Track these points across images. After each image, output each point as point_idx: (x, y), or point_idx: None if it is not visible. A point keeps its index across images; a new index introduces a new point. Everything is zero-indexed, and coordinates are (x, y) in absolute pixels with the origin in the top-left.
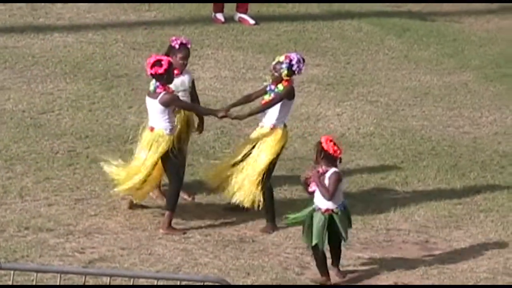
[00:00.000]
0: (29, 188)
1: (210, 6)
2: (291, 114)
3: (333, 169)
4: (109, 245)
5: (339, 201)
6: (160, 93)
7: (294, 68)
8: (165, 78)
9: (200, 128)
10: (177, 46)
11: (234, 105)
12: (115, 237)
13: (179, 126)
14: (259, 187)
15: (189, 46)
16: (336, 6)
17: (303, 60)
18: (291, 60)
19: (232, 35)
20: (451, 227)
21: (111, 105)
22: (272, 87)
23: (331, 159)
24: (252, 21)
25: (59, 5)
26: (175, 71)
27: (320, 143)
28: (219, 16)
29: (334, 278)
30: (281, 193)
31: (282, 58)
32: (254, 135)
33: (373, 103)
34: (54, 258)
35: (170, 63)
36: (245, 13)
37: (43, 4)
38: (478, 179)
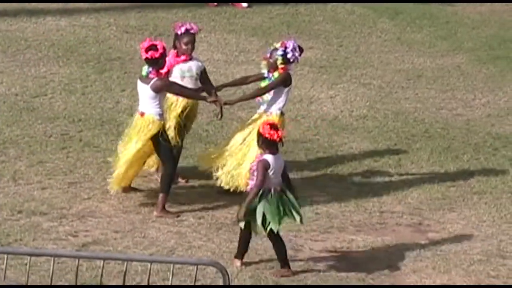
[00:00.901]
0: (22, 172)
1: None
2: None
3: (262, 157)
4: (102, 228)
5: (268, 186)
6: (152, 78)
7: (289, 56)
8: (159, 63)
9: (220, 115)
10: (180, 32)
11: (228, 85)
12: (109, 220)
13: (182, 111)
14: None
15: (193, 31)
16: None
17: (300, 48)
18: (286, 48)
19: (225, 18)
20: (444, 209)
21: (104, 88)
22: (270, 74)
23: (269, 144)
24: (244, 4)
25: None
26: (183, 57)
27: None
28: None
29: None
30: None
31: (278, 45)
32: (250, 121)
33: (366, 85)
34: (48, 242)
35: (164, 48)
36: None
37: None
38: (472, 161)
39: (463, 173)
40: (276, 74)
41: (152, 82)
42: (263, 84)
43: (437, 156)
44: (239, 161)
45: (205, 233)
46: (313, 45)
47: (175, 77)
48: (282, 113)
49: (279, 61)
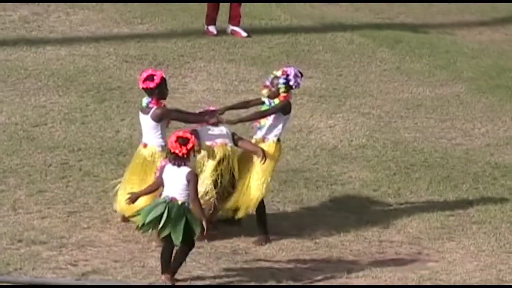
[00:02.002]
0: (22, 201)
1: (202, 18)
2: (286, 129)
3: (190, 169)
4: (102, 257)
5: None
6: (152, 108)
7: (292, 83)
8: (156, 93)
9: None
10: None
11: (231, 108)
12: (108, 249)
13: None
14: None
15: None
16: (328, 19)
17: (301, 74)
18: (288, 75)
19: (224, 48)
20: (443, 239)
21: (104, 117)
22: (270, 101)
23: (177, 157)
24: (244, 34)
25: (51, 18)
26: None
27: None
28: (211, 28)
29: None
30: (273, 205)
31: (279, 73)
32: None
33: (365, 115)
34: (47, 271)
35: (162, 78)
36: (237, 25)
37: (35, 17)
38: (471, 191)
39: (462, 202)
40: (276, 100)
41: (151, 111)
42: (263, 108)
43: (436, 186)
44: (240, 191)
45: (204, 262)
46: (313, 74)
47: None
48: (278, 140)
49: (282, 89)
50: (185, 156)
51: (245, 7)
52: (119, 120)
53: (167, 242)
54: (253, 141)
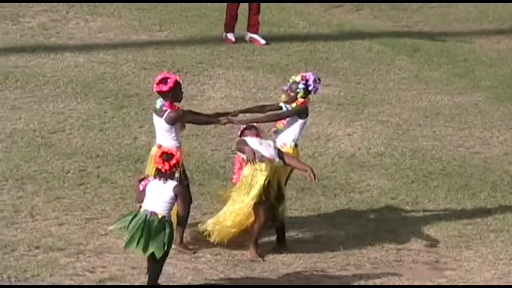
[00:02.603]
0: (39, 207)
1: (221, 26)
2: (304, 134)
3: (176, 183)
4: (119, 264)
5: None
6: (166, 111)
7: (311, 88)
8: (170, 96)
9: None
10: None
11: (246, 111)
12: (126, 256)
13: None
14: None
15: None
16: (347, 26)
17: (319, 79)
18: (307, 80)
19: (243, 55)
20: (461, 247)
21: (122, 124)
22: (288, 106)
23: (161, 172)
24: (263, 41)
25: (70, 24)
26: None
27: None
28: (230, 36)
29: None
30: (291, 212)
31: (298, 78)
32: None
33: (384, 123)
34: (65, 278)
35: (176, 82)
36: (256, 33)
37: (54, 23)
38: (489, 199)
39: (480, 211)
40: (293, 104)
41: (165, 114)
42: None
43: (454, 194)
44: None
45: (222, 269)
46: (331, 82)
47: None
48: (296, 145)
49: (301, 94)
50: (167, 171)
51: (263, 15)
52: (137, 127)
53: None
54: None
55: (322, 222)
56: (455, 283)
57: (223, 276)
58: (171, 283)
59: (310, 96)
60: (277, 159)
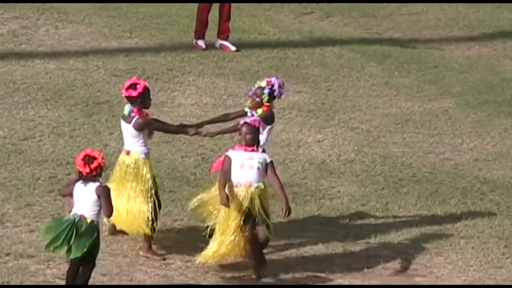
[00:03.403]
0: (10, 214)
1: (191, 33)
2: (271, 140)
3: (102, 184)
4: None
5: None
6: (134, 117)
7: (276, 93)
8: (138, 102)
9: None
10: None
11: (210, 122)
12: (96, 263)
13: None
14: None
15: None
16: (317, 33)
17: (283, 84)
18: (272, 86)
19: (213, 62)
20: (431, 254)
21: (92, 131)
22: (253, 111)
23: (83, 175)
24: (233, 48)
25: (40, 31)
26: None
27: None
28: (200, 42)
29: None
30: None
31: (263, 84)
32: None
33: (354, 129)
34: (35, 285)
35: (145, 88)
36: (226, 39)
37: (24, 30)
38: (459, 206)
39: (450, 217)
40: (259, 111)
41: (133, 120)
42: None
43: (424, 201)
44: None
45: (192, 276)
46: (301, 89)
47: None
48: (263, 151)
49: (266, 99)
50: (88, 174)
51: (233, 22)
52: (107, 134)
53: (71, 264)
54: None
55: (292, 229)
56: None
57: (193, 282)
58: None
59: (279, 102)
60: (255, 184)
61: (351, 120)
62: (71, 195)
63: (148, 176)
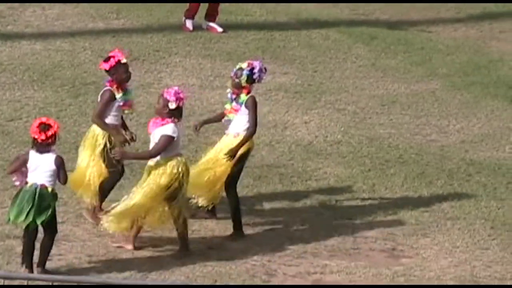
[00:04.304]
0: None
1: (179, 13)
2: (259, 121)
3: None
4: (76, 252)
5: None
6: (105, 87)
7: (255, 76)
8: (111, 75)
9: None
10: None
11: (208, 121)
12: (82, 244)
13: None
14: (220, 189)
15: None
16: (304, 15)
17: (265, 69)
18: (253, 68)
19: (200, 43)
20: (418, 235)
21: (79, 112)
22: (234, 96)
23: (38, 144)
24: (220, 29)
25: (27, 12)
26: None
27: None
28: (188, 24)
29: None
30: (248, 200)
31: (244, 65)
32: (219, 144)
33: (341, 111)
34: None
35: (118, 62)
36: (213, 21)
37: (11, 11)
38: (445, 187)
39: (436, 198)
40: (242, 96)
41: (102, 91)
42: (228, 106)
43: (411, 182)
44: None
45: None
46: (288, 70)
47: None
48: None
49: (244, 80)
50: (43, 142)
51: (220, 4)
52: None
53: (30, 233)
54: (225, 136)
55: (279, 210)
56: (412, 271)
57: (180, 263)
58: (127, 270)
59: (265, 83)
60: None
61: (337, 101)
62: (20, 169)
63: (101, 146)
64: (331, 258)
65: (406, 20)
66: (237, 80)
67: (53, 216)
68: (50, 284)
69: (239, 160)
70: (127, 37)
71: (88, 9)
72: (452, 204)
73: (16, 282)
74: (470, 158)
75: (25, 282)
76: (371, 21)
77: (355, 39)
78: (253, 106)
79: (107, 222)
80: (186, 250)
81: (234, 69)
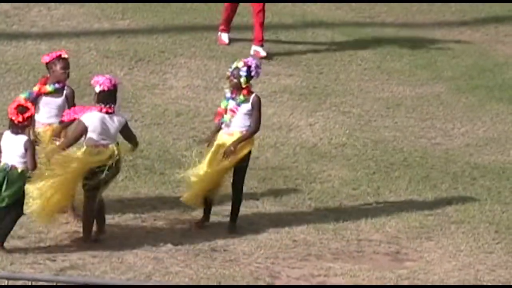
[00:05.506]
0: None
1: (184, 14)
2: (263, 123)
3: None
4: (80, 253)
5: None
6: None
7: (253, 74)
8: (48, 69)
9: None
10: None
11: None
12: (86, 245)
13: None
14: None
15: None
16: (309, 17)
17: (260, 64)
18: (249, 67)
19: (205, 44)
20: (422, 238)
21: None
22: (233, 95)
23: (14, 125)
24: (263, 53)
25: (33, 12)
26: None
27: None
28: (224, 37)
29: None
30: (252, 202)
31: (240, 64)
32: (221, 142)
33: (346, 113)
34: (25, 266)
35: (53, 58)
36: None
37: (16, 11)
38: (450, 191)
39: (441, 202)
40: (241, 96)
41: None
42: (223, 104)
43: (415, 185)
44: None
45: (182, 259)
46: (293, 72)
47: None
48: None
49: (244, 80)
50: (20, 124)
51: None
52: None
53: None
54: (227, 136)
55: (283, 212)
56: (416, 274)
57: (183, 265)
58: (131, 272)
59: (270, 85)
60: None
61: (342, 104)
62: None
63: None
64: (335, 261)
65: (412, 23)
66: (235, 81)
67: (21, 197)
68: (54, 284)
69: (241, 161)
70: (133, 37)
71: (93, 9)
72: (457, 207)
73: (20, 283)
74: (475, 162)
75: (29, 283)
76: (377, 24)
77: (360, 41)
78: (258, 105)
79: None
80: (87, 237)
81: (230, 69)
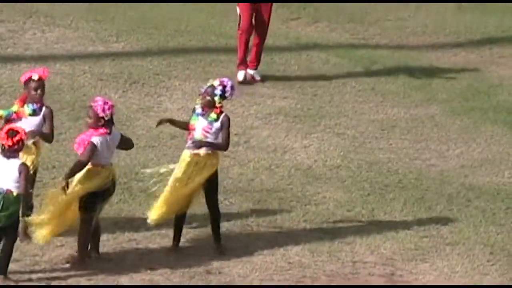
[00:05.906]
0: None
1: (178, 37)
2: (257, 145)
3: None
4: (75, 276)
5: None
6: None
7: (227, 94)
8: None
9: None
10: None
11: (171, 121)
12: (81, 267)
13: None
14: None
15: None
16: (304, 39)
17: (234, 86)
18: (225, 86)
19: (200, 67)
20: (417, 260)
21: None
22: (203, 112)
23: (5, 149)
24: (258, 78)
25: (27, 35)
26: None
27: None
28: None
29: None
30: (247, 224)
31: (216, 83)
32: (186, 162)
33: (340, 135)
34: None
35: (28, 79)
36: (254, 69)
37: (11, 34)
38: (445, 212)
39: (436, 223)
40: (213, 115)
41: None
42: (193, 121)
43: (410, 207)
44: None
45: (178, 281)
46: (288, 94)
47: None
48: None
49: (218, 99)
50: (10, 148)
51: (221, 27)
52: None
53: None
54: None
55: (278, 234)
56: None
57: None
58: None
59: (265, 107)
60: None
61: (337, 126)
62: None
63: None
64: (330, 283)
65: (406, 45)
66: (208, 98)
67: (15, 221)
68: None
69: (210, 181)
70: (127, 60)
71: (88, 32)
72: (451, 229)
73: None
74: (470, 183)
75: None
76: (371, 45)
77: (354, 63)
78: (227, 124)
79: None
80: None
81: (205, 86)
